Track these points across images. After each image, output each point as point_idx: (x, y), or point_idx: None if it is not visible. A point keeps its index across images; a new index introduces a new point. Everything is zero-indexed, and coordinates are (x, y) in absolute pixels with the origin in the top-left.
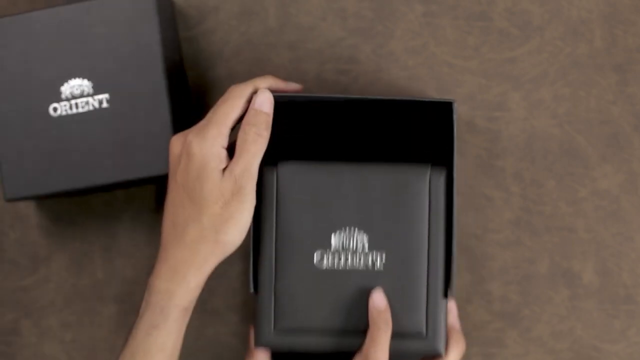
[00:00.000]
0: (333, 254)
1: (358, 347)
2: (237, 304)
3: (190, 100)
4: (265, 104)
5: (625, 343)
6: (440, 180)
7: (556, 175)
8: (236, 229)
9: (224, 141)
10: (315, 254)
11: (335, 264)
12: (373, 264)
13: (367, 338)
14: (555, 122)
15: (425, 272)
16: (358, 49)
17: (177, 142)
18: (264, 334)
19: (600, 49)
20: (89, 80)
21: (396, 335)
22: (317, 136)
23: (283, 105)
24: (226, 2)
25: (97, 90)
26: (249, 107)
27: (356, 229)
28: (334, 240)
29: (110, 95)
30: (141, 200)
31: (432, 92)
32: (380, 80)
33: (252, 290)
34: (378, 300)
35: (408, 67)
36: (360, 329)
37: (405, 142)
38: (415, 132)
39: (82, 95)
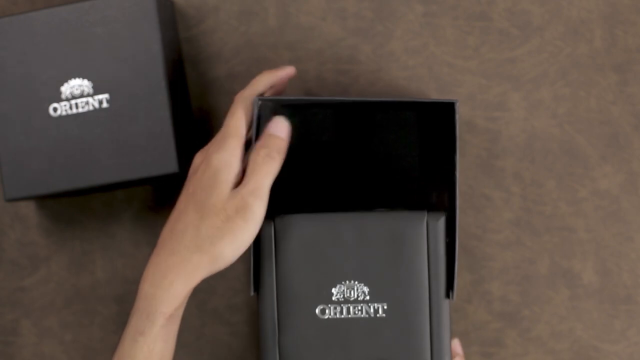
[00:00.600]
0: (334, 306)
1: None
2: (237, 304)
3: (190, 100)
4: (280, 130)
5: (625, 343)
6: (437, 226)
7: (556, 175)
8: (232, 246)
9: (240, 153)
10: (317, 308)
11: (338, 314)
12: (375, 312)
13: None
14: (555, 122)
15: (428, 316)
16: (358, 49)
17: (199, 156)
18: None
19: (600, 49)
20: (89, 80)
21: None
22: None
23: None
24: (226, 2)
25: (97, 90)
26: (264, 132)
27: (356, 282)
28: (335, 293)
29: (110, 95)
30: (141, 200)
31: (432, 92)
32: (380, 80)
33: (252, 292)
34: None
35: (408, 67)
36: None
37: (404, 151)
38: (414, 135)
39: (82, 95)
